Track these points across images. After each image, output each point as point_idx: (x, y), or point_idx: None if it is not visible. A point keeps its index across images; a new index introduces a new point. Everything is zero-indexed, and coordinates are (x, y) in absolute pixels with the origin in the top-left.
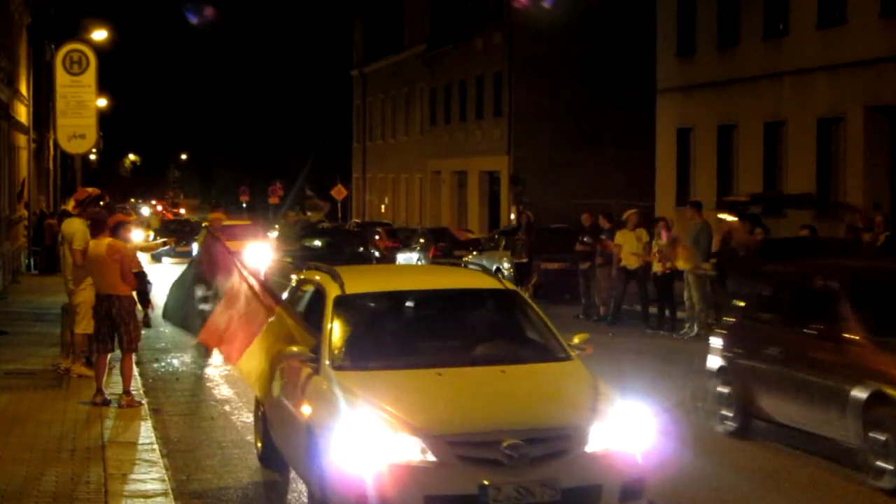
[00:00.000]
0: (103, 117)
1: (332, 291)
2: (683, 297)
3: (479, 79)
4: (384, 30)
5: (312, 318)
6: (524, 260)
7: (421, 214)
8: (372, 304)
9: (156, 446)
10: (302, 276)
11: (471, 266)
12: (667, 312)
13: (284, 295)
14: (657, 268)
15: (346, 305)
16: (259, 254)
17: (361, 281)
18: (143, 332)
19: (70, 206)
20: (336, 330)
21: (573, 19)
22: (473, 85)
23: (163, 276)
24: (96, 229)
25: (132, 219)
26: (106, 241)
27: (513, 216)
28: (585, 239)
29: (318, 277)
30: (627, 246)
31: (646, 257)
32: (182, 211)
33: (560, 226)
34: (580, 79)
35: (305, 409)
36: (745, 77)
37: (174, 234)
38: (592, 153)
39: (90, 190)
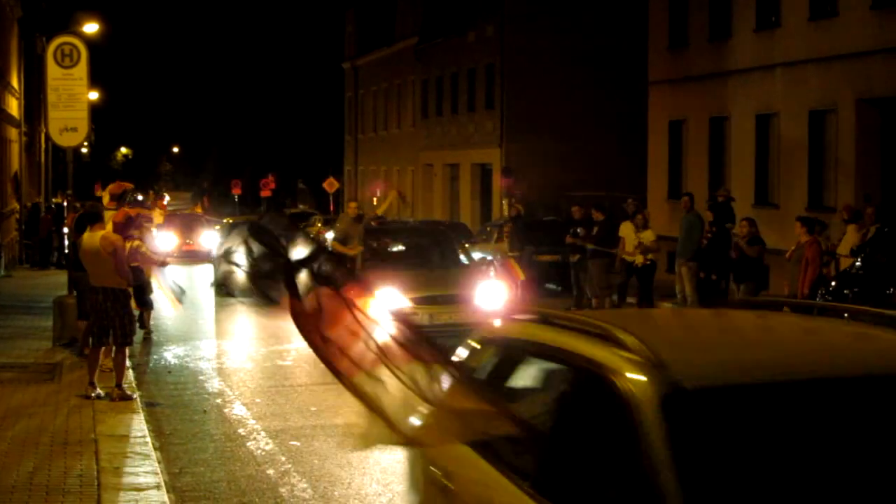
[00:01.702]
0: (95, 110)
1: (643, 385)
2: (675, 289)
3: (472, 71)
4: (376, 22)
5: (582, 447)
6: (515, 253)
7: (413, 207)
8: (758, 415)
9: (148, 439)
10: (513, 336)
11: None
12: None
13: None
14: (638, 260)
15: (696, 421)
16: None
17: (693, 351)
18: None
19: (105, 200)
20: (693, 487)
21: (565, 12)
22: (465, 77)
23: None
24: (92, 222)
25: (135, 213)
26: (100, 233)
27: (505, 208)
28: (577, 231)
29: (573, 344)
30: (628, 239)
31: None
32: (166, 200)
33: (552, 218)
34: (572, 72)
35: None
36: (736, 69)
37: (178, 229)
38: (584, 145)
39: (126, 185)
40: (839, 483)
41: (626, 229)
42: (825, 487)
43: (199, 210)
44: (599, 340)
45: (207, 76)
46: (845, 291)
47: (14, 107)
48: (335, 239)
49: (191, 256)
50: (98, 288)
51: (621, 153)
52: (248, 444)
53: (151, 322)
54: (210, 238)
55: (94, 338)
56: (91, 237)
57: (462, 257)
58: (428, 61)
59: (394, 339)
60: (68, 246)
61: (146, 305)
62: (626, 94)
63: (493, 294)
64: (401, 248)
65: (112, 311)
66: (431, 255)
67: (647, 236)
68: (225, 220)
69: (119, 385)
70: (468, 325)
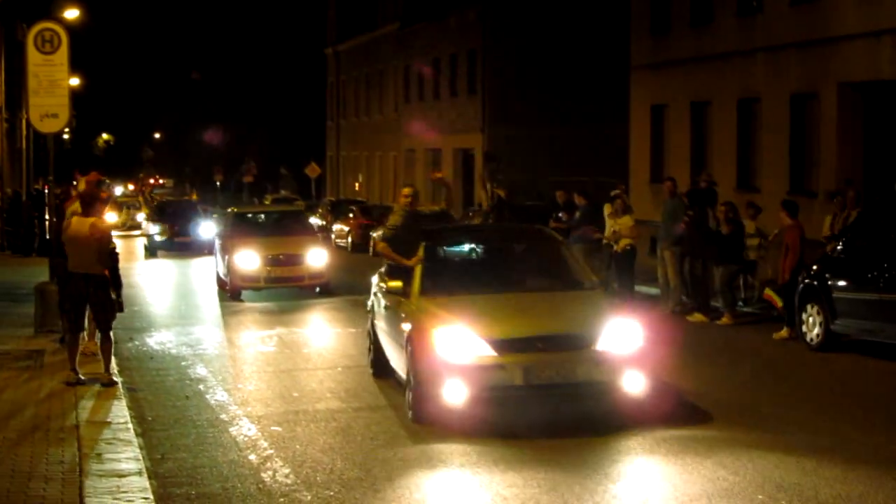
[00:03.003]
0: (76, 96)
1: None
2: (657, 273)
3: (453, 56)
4: (358, 7)
5: None
6: None
7: (395, 192)
8: None
9: (130, 426)
10: None
11: None
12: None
13: None
14: (620, 244)
15: None
16: (318, 258)
17: None
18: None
19: (81, 188)
20: None
21: None
22: (447, 63)
23: (160, 274)
24: (87, 208)
25: (106, 196)
26: (90, 220)
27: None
28: (560, 215)
29: None
30: (606, 225)
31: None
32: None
33: (535, 203)
34: (554, 56)
35: None
36: (718, 54)
37: (171, 219)
38: (567, 130)
39: (101, 175)
40: None
41: (607, 211)
42: None
43: (194, 197)
44: None
45: (189, 62)
46: (826, 275)
47: None
48: (385, 239)
49: (185, 248)
50: (80, 274)
51: (604, 138)
52: (231, 429)
53: (134, 308)
54: (207, 228)
55: (71, 324)
56: (80, 222)
57: (575, 274)
58: (410, 46)
59: None
60: (49, 232)
61: (118, 287)
62: (609, 79)
63: (623, 333)
64: (477, 258)
65: (94, 297)
66: (525, 272)
67: (625, 222)
68: (229, 210)
69: (108, 370)
70: (587, 384)
